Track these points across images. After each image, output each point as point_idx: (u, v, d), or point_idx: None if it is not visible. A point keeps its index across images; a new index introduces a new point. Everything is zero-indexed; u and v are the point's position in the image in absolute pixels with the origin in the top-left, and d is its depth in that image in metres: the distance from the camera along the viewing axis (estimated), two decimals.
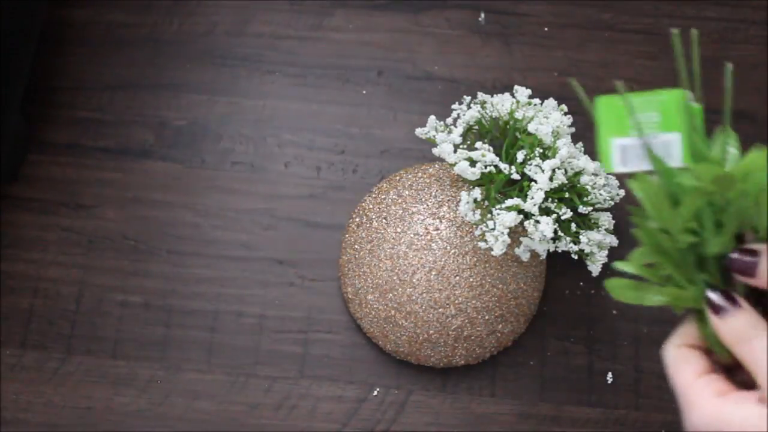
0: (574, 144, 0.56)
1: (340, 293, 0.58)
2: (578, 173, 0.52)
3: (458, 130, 0.54)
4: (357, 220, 0.58)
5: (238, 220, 0.60)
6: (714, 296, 0.30)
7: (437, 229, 0.55)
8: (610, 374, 0.56)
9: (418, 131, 0.56)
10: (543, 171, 0.50)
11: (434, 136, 0.55)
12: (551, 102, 0.55)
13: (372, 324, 0.55)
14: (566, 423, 0.55)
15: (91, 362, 0.57)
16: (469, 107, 0.57)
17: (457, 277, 0.54)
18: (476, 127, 0.55)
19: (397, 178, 0.58)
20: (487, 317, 0.54)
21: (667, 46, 0.66)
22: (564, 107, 0.54)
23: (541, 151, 0.52)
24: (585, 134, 0.62)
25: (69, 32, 0.66)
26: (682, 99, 0.34)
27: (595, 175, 0.53)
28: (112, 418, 0.55)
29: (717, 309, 0.30)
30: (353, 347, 0.57)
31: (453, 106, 0.57)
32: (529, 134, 0.53)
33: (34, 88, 0.63)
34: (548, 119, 0.53)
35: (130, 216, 0.60)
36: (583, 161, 0.52)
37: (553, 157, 0.51)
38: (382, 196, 0.57)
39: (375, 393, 0.56)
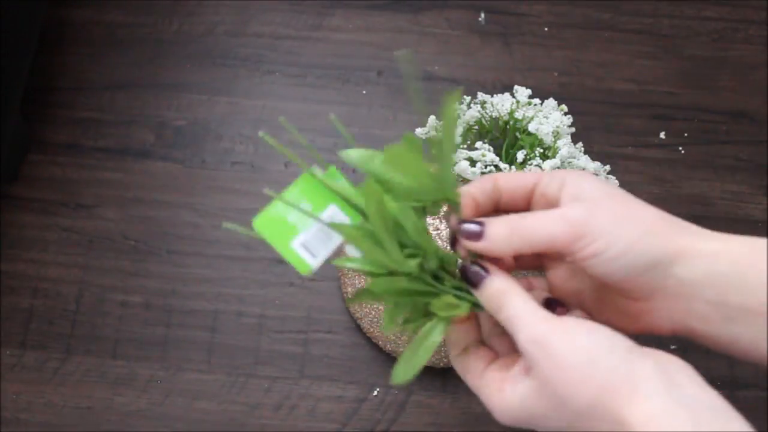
0: (574, 144, 0.56)
1: (340, 293, 0.58)
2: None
3: (458, 130, 0.54)
4: None
5: (238, 220, 0.60)
6: (471, 270, 0.33)
7: (437, 229, 0.55)
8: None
9: (418, 131, 0.56)
10: (543, 171, 0.50)
11: (434, 135, 0.55)
12: (551, 102, 0.55)
13: (372, 324, 0.55)
14: None
15: (91, 362, 0.57)
16: (469, 107, 0.57)
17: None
18: (476, 127, 0.55)
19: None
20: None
21: (667, 46, 0.66)
22: (564, 107, 0.54)
23: (542, 150, 0.52)
24: (585, 134, 0.62)
25: (69, 32, 0.66)
26: (312, 179, 0.35)
27: (595, 174, 0.53)
28: (112, 418, 0.55)
29: (474, 283, 0.32)
30: (353, 347, 0.57)
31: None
32: (530, 134, 0.53)
33: (34, 88, 0.63)
34: (548, 119, 0.53)
35: (130, 216, 0.60)
36: (583, 161, 0.52)
37: (554, 157, 0.51)
38: None
39: (375, 393, 0.56)
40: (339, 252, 0.34)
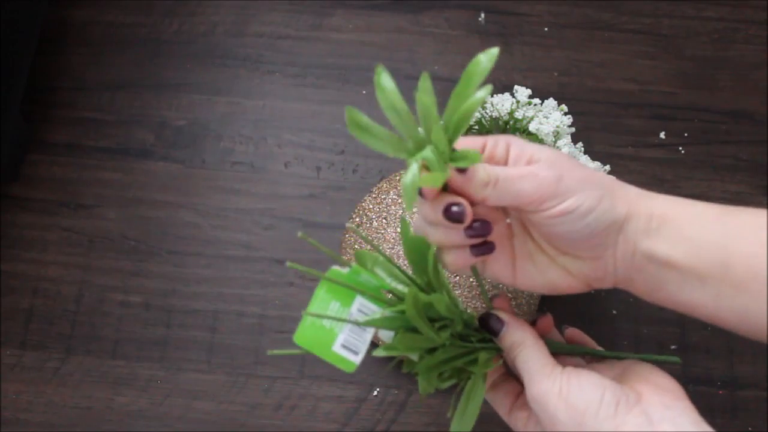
0: (574, 144, 0.56)
1: None
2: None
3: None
4: (357, 220, 0.58)
5: (238, 220, 0.60)
6: (489, 320, 0.37)
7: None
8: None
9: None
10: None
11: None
12: (551, 102, 0.55)
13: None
14: None
15: (91, 362, 0.57)
16: None
17: (457, 278, 0.54)
18: (476, 127, 0.55)
19: (397, 178, 0.58)
20: None
21: (667, 46, 0.66)
22: (564, 107, 0.54)
23: None
24: (585, 134, 0.62)
25: (69, 32, 0.66)
26: (333, 283, 0.37)
27: None
28: (112, 418, 0.55)
29: (494, 332, 0.37)
30: None
31: None
32: (530, 134, 0.53)
33: (34, 88, 0.63)
34: (548, 119, 0.53)
35: (131, 216, 0.60)
36: (583, 161, 0.52)
37: None
38: (382, 196, 0.57)
39: (375, 393, 0.56)
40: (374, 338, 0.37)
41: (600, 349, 0.40)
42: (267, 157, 0.62)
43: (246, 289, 0.59)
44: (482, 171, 0.34)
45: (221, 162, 0.62)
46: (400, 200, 0.57)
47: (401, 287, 0.37)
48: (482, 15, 0.67)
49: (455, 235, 0.35)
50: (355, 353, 0.37)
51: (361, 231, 0.57)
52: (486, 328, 0.37)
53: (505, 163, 0.35)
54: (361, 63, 0.65)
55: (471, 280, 0.54)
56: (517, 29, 0.66)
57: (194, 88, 0.64)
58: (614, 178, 0.35)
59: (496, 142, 0.36)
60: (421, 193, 0.35)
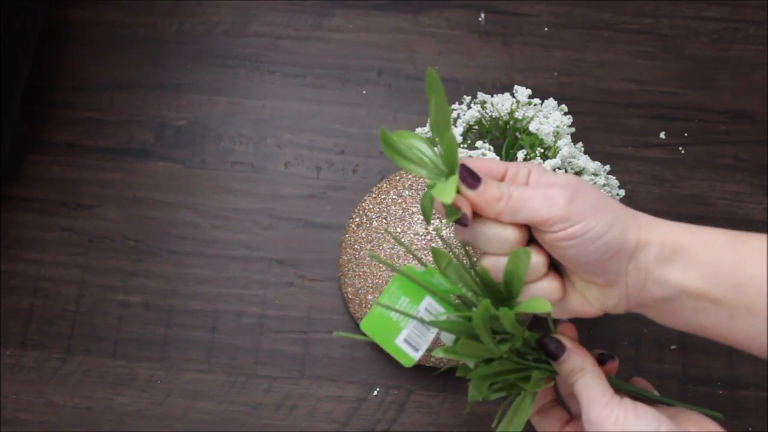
0: (574, 144, 0.56)
1: (340, 293, 0.58)
2: (578, 173, 0.52)
3: (458, 130, 0.54)
4: (357, 220, 0.58)
5: (238, 220, 0.60)
6: (550, 344, 0.38)
7: (437, 229, 0.55)
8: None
9: (418, 131, 0.56)
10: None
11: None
12: (551, 102, 0.55)
13: None
14: None
15: (91, 362, 0.57)
16: (469, 107, 0.57)
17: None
18: (476, 127, 0.55)
19: (397, 178, 0.58)
20: None
21: (667, 46, 0.66)
22: (564, 107, 0.54)
23: (542, 150, 0.52)
24: (585, 134, 0.62)
25: (69, 32, 0.66)
26: (406, 278, 0.39)
27: (595, 174, 0.53)
28: (112, 418, 0.55)
29: (554, 356, 0.38)
30: (353, 347, 0.57)
31: (453, 106, 0.57)
32: (530, 134, 0.53)
33: (34, 88, 0.63)
34: (548, 119, 0.53)
35: (131, 216, 0.60)
36: (583, 161, 0.52)
37: (554, 156, 0.51)
38: (382, 196, 0.57)
39: (375, 393, 0.56)
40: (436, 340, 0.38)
41: (657, 394, 0.41)
42: (267, 157, 0.62)
43: (246, 289, 0.59)
44: (495, 187, 0.35)
45: (221, 162, 0.62)
46: (400, 200, 0.57)
47: (471, 294, 0.38)
48: (482, 15, 0.67)
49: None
50: (416, 350, 0.38)
51: (361, 231, 0.57)
52: (546, 351, 0.38)
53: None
54: (361, 63, 0.65)
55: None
56: (517, 29, 0.66)
57: (194, 88, 0.64)
58: (626, 207, 0.36)
59: (518, 169, 0.37)
60: (459, 221, 0.36)
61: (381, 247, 0.55)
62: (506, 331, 0.37)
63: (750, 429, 0.55)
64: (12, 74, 0.56)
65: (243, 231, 0.60)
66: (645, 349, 0.57)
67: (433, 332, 0.39)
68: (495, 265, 0.37)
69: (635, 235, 0.34)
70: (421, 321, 0.38)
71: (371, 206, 0.57)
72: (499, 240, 0.36)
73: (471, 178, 0.35)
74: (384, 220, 0.56)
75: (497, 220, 0.35)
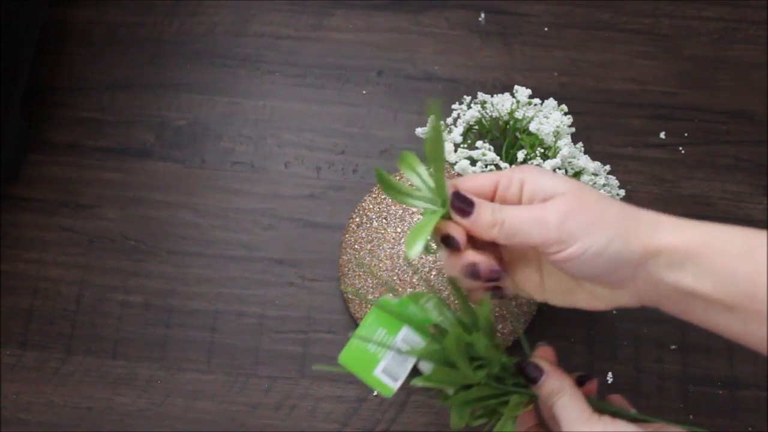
0: (574, 144, 0.56)
1: (340, 293, 0.58)
2: (578, 173, 0.52)
3: (459, 130, 0.54)
4: (357, 220, 0.58)
5: (238, 220, 0.60)
6: (527, 368, 0.38)
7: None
8: (610, 374, 0.56)
9: (418, 131, 0.56)
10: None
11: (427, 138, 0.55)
12: (551, 102, 0.55)
13: None
14: None
15: (91, 362, 0.57)
16: (469, 107, 0.57)
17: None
18: (476, 127, 0.55)
19: (397, 178, 0.58)
20: None
21: (667, 46, 0.66)
22: (564, 107, 0.54)
23: (542, 150, 0.52)
24: (585, 134, 0.62)
25: (69, 32, 0.66)
26: (383, 311, 0.39)
27: (595, 174, 0.53)
28: (112, 418, 0.55)
29: (532, 380, 0.38)
30: None
31: (453, 106, 0.57)
32: (530, 134, 0.53)
33: (34, 88, 0.63)
34: (548, 119, 0.53)
35: (131, 216, 0.60)
36: (584, 161, 0.52)
37: (554, 156, 0.51)
38: (382, 196, 0.57)
39: (375, 393, 0.56)
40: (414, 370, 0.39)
41: (633, 411, 0.41)
42: (267, 157, 0.62)
43: (246, 289, 0.59)
44: (488, 213, 0.35)
45: (221, 162, 0.62)
46: None
47: (447, 324, 0.39)
48: (482, 15, 0.67)
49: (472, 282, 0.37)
50: (395, 380, 0.39)
51: (361, 231, 0.57)
52: (524, 375, 0.38)
53: (519, 201, 0.36)
54: (361, 63, 0.65)
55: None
56: (517, 29, 0.66)
57: (194, 88, 0.64)
58: (624, 208, 0.35)
59: (510, 182, 0.36)
60: (446, 243, 0.36)
61: (381, 247, 0.55)
62: (482, 356, 0.37)
63: (750, 429, 0.55)
64: (12, 74, 0.56)
65: (243, 231, 0.60)
66: (645, 349, 0.57)
67: (411, 362, 0.39)
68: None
69: (639, 245, 0.34)
70: (399, 351, 0.39)
71: (371, 206, 0.57)
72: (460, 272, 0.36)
73: (463, 207, 0.35)
74: (384, 220, 0.56)
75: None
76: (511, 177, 0.36)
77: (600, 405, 0.40)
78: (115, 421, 0.55)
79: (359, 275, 0.56)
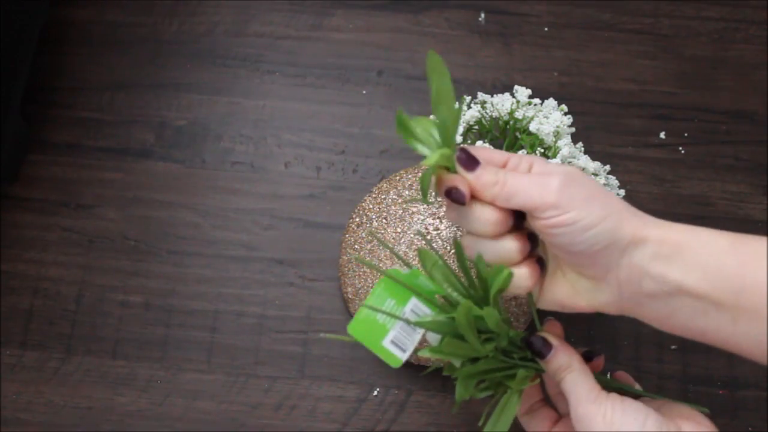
0: (574, 144, 0.56)
1: (340, 293, 0.58)
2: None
3: (458, 130, 0.54)
4: (357, 220, 0.58)
5: (238, 220, 0.60)
6: (536, 342, 0.38)
7: (437, 229, 0.55)
8: (609, 374, 0.56)
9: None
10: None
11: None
12: (551, 102, 0.55)
13: None
14: None
15: (91, 362, 0.57)
16: (469, 107, 0.57)
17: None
18: (476, 127, 0.55)
19: (397, 178, 0.58)
20: None
21: (667, 46, 0.66)
22: (564, 107, 0.54)
23: (542, 150, 0.52)
24: (585, 134, 0.62)
25: (69, 32, 0.66)
26: (392, 281, 0.40)
27: (595, 174, 0.53)
28: (112, 418, 0.55)
29: (540, 354, 0.38)
30: (353, 347, 0.57)
31: None
32: (530, 134, 0.53)
33: (34, 88, 0.63)
34: (548, 119, 0.53)
35: (131, 216, 0.60)
36: (584, 161, 0.52)
37: (554, 156, 0.51)
38: (382, 196, 0.57)
39: (375, 393, 0.56)
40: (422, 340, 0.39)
41: (639, 388, 0.41)
42: (267, 157, 0.62)
43: (246, 289, 0.59)
44: (491, 172, 0.35)
45: (221, 162, 0.62)
46: (400, 200, 0.57)
47: (456, 295, 0.39)
48: (482, 15, 0.67)
49: (506, 249, 0.37)
50: (403, 350, 0.39)
51: (361, 231, 0.57)
52: (532, 349, 0.38)
53: None
54: (361, 63, 0.65)
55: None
56: (517, 29, 0.66)
57: (194, 88, 0.64)
58: (629, 204, 0.36)
59: (520, 160, 0.37)
60: (450, 195, 0.36)
61: (381, 247, 0.55)
62: (491, 330, 0.37)
63: (750, 429, 0.55)
64: (12, 74, 0.56)
65: (243, 231, 0.60)
66: (645, 349, 0.57)
67: (419, 333, 0.39)
68: (472, 245, 0.37)
69: (630, 231, 0.34)
70: (407, 322, 0.39)
71: (371, 206, 0.57)
72: (480, 220, 0.36)
73: (469, 161, 0.35)
74: (384, 220, 0.56)
75: (486, 203, 0.36)
76: (521, 157, 0.37)
77: (606, 381, 0.40)
78: (115, 421, 0.55)
79: (359, 275, 0.56)
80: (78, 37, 0.66)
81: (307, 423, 0.55)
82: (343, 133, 0.63)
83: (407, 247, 0.54)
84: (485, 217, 0.36)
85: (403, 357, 0.39)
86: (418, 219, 0.55)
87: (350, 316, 0.57)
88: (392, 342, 0.39)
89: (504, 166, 0.37)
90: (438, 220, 0.55)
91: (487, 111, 0.55)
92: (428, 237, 0.55)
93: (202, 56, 0.65)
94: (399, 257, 0.40)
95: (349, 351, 0.57)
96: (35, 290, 0.58)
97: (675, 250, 0.34)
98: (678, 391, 0.56)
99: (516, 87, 0.56)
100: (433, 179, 0.37)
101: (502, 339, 0.38)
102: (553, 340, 0.38)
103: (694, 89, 0.65)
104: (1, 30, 0.53)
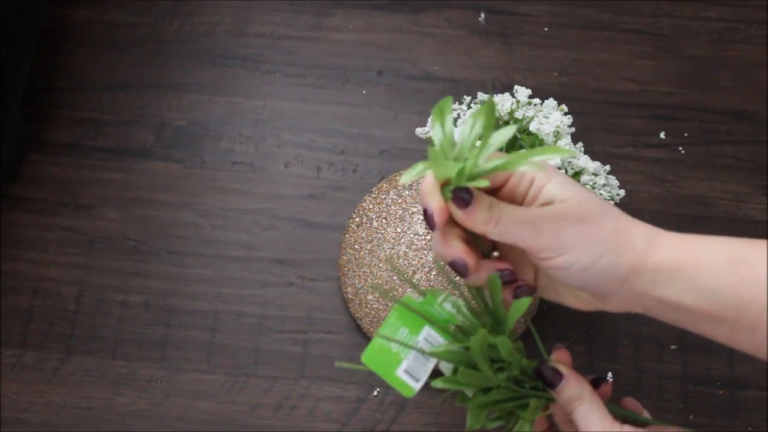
0: (574, 144, 0.56)
1: (340, 293, 0.58)
2: (578, 173, 0.52)
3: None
4: (357, 220, 0.58)
5: (238, 220, 0.60)
6: (546, 372, 0.38)
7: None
8: (610, 374, 0.56)
9: (418, 131, 0.56)
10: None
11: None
12: (551, 102, 0.55)
13: (372, 324, 0.55)
14: None
15: (91, 362, 0.57)
16: (469, 107, 0.56)
17: (458, 278, 0.54)
18: None
19: (397, 178, 0.59)
20: None
21: (667, 46, 0.66)
22: (564, 107, 0.54)
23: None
24: (585, 134, 0.62)
25: (69, 32, 0.66)
26: (406, 309, 0.39)
27: (595, 174, 0.53)
28: (112, 418, 0.55)
29: (551, 384, 0.38)
30: (353, 347, 0.57)
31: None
32: (530, 134, 0.53)
33: (34, 88, 0.63)
34: (548, 119, 0.53)
35: (130, 216, 0.60)
36: (584, 161, 0.52)
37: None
38: (382, 196, 0.57)
39: (375, 393, 0.56)
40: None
41: (647, 415, 0.41)
42: (267, 157, 0.62)
43: (246, 289, 0.59)
44: (484, 209, 0.34)
45: (221, 162, 0.62)
46: (400, 200, 0.57)
47: (468, 324, 0.39)
48: (482, 15, 0.67)
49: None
50: (416, 380, 0.39)
51: (361, 231, 0.57)
52: (543, 379, 0.38)
53: (524, 198, 0.36)
54: (361, 63, 0.65)
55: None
56: (517, 29, 0.66)
57: (194, 88, 0.64)
58: (620, 222, 0.35)
59: (521, 179, 0.36)
60: (429, 220, 0.35)
61: (381, 247, 0.55)
62: (503, 359, 0.37)
63: (750, 429, 0.55)
64: (12, 74, 0.56)
65: (243, 231, 0.60)
66: (645, 349, 0.57)
67: (432, 362, 0.39)
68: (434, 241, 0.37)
69: (627, 264, 0.34)
70: (421, 351, 0.39)
71: (371, 206, 0.57)
72: (440, 253, 0.36)
73: (462, 194, 0.34)
74: (384, 220, 0.56)
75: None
76: (522, 176, 0.36)
77: (614, 409, 0.40)
78: (115, 421, 0.55)
79: (359, 275, 0.56)
80: (78, 37, 0.66)
81: (307, 423, 0.55)
82: (343, 133, 0.63)
83: (407, 247, 0.55)
84: (447, 253, 0.35)
85: (417, 387, 0.39)
86: (418, 219, 0.55)
87: (350, 316, 0.57)
88: (406, 371, 0.39)
89: (505, 182, 0.36)
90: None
91: None
92: (427, 237, 0.55)
93: (202, 56, 0.65)
94: (414, 286, 0.39)
95: (348, 351, 0.57)
96: (35, 290, 0.58)
97: (672, 274, 0.34)
98: (678, 391, 0.56)
99: (516, 87, 0.56)
100: (425, 186, 0.36)
101: (514, 368, 0.38)
102: (564, 369, 0.38)
103: (694, 89, 0.65)
104: (1, 30, 0.53)
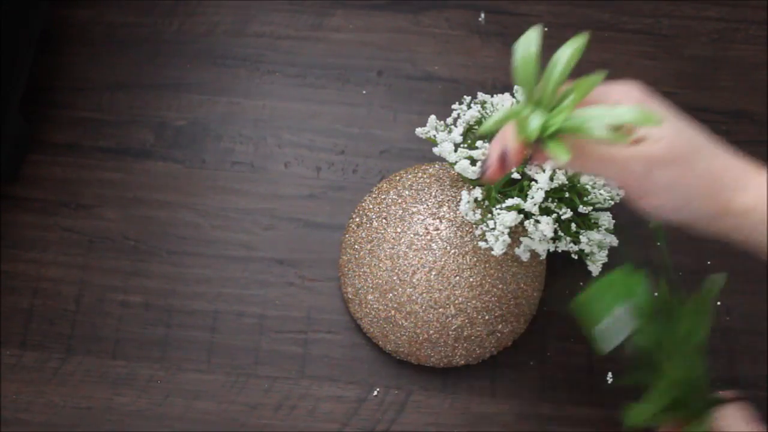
0: None
1: (340, 293, 0.58)
2: (578, 173, 0.52)
3: (458, 130, 0.54)
4: (357, 220, 0.58)
5: (238, 220, 0.60)
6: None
7: (437, 229, 0.55)
8: (610, 374, 0.56)
9: (418, 131, 0.56)
10: (543, 171, 0.50)
11: (434, 135, 0.55)
12: None
13: (372, 324, 0.55)
14: (566, 423, 0.55)
15: (91, 362, 0.57)
16: (469, 107, 0.57)
17: (457, 277, 0.54)
18: (476, 127, 0.55)
19: (397, 178, 0.59)
20: (487, 317, 0.54)
21: (667, 46, 0.66)
22: None
23: None
24: None
25: (69, 32, 0.66)
26: (619, 279, 0.42)
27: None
28: (112, 418, 0.55)
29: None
30: (353, 347, 0.57)
31: (453, 106, 0.57)
32: None
33: (34, 88, 0.63)
34: None
35: (131, 216, 0.60)
36: None
37: None
38: (382, 196, 0.57)
39: (375, 393, 0.56)
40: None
41: None
42: (267, 157, 0.62)
43: (246, 289, 0.59)
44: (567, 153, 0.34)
45: (221, 162, 0.62)
46: (400, 200, 0.57)
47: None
48: (482, 15, 0.67)
49: None
50: (608, 343, 0.40)
51: (361, 231, 0.57)
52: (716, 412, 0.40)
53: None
54: (361, 63, 0.65)
55: (471, 279, 0.54)
56: (517, 29, 0.66)
57: (194, 88, 0.64)
58: (719, 166, 0.36)
59: (607, 96, 0.36)
60: (502, 160, 0.35)
61: (381, 247, 0.55)
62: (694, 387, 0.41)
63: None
64: (12, 74, 0.56)
65: (243, 231, 0.60)
66: None
67: (625, 333, 0.41)
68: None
69: (717, 207, 0.35)
70: (620, 319, 0.40)
71: (371, 206, 0.57)
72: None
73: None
74: (384, 220, 0.56)
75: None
76: (630, 91, 0.36)
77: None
78: (115, 421, 0.55)
79: (359, 275, 0.56)
80: (78, 37, 0.66)
81: (307, 423, 0.55)
82: (343, 133, 0.63)
83: (407, 247, 0.54)
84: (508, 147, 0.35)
85: (606, 348, 0.40)
86: (418, 219, 0.55)
87: (350, 316, 0.57)
88: (604, 331, 0.41)
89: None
90: (438, 220, 0.55)
91: (487, 111, 0.55)
92: (428, 237, 0.55)
93: (202, 56, 0.65)
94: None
95: (349, 351, 0.57)
96: (35, 290, 0.58)
97: (758, 222, 0.35)
98: None
99: (516, 87, 0.56)
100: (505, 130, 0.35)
101: (698, 401, 0.42)
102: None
103: (694, 89, 0.65)
104: (1, 30, 0.53)
